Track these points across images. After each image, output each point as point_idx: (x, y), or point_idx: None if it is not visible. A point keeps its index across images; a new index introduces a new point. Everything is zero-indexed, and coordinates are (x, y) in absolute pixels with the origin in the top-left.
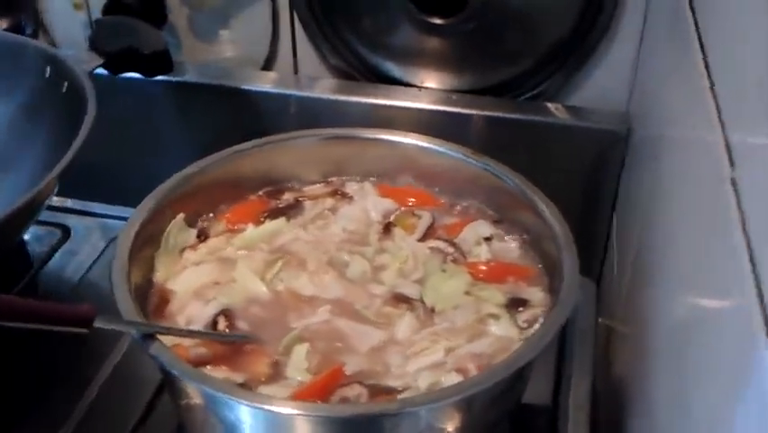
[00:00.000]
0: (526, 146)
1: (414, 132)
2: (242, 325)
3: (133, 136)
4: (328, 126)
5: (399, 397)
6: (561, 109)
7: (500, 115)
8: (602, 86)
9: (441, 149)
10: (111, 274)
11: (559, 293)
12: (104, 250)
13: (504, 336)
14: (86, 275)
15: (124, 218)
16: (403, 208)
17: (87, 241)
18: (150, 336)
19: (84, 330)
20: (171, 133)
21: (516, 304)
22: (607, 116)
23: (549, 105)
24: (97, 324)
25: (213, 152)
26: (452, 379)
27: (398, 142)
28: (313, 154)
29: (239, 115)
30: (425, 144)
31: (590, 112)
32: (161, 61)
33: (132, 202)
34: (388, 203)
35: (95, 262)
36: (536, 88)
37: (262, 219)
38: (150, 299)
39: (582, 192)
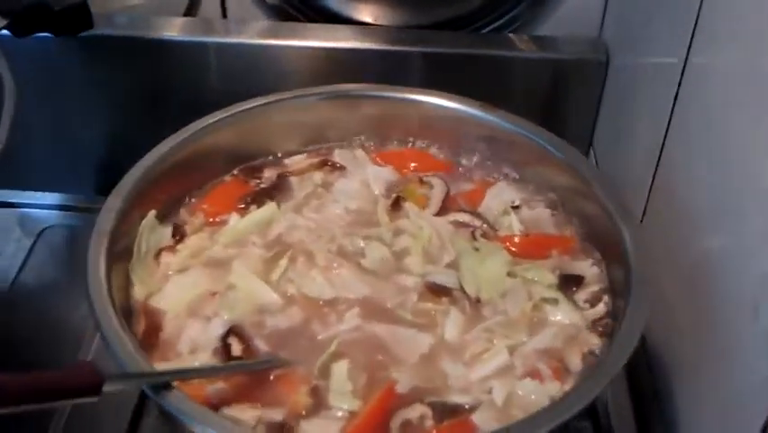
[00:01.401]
0: (489, 84)
1: (365, 75)
2: (261, 344)
3: (42, 106)
4: (268, 77)
5: (474, 419)
6: (526, 41)
7: (458, 51)
8: (572, 13)
9: (443, 103)
10: (94, 312)
11: (628, 270)
12: (32, 247)
13: (568, 324)
14: (18, 279)
15: (49, 207)
16: (408, 176)
17: (8, 237)
18: (164, 386)
19: (93, 399)
20: (87, 98)
21: (568, 283)
22: (579, 45)
23: (513, 36)
24: (107, 389)
25: (138, 119)
26: (529, 388)
27: (389, 98)
28: (288, 120)
29: (162, 72)
30: (421, 98)
31: (561, 42)
32: (78, 17)
33: (52, 186)
34: (388, 172)
35: (24, 262)
36: (500, 20)
37: (244, 206)
38: (135, 324)
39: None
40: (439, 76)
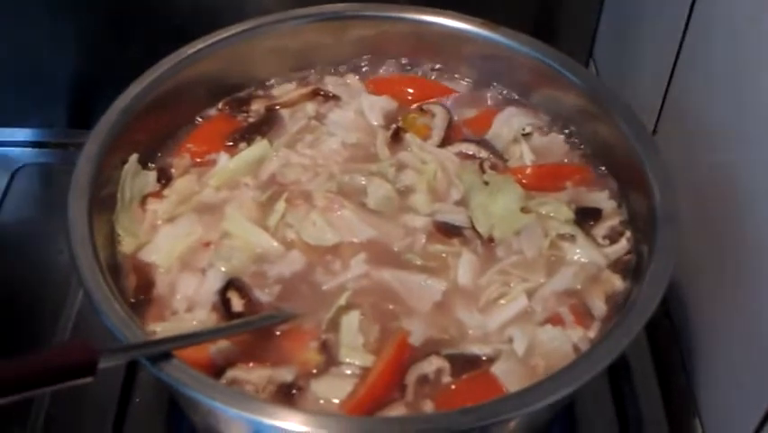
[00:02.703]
0: None
1: None
2: (262, 297)
3: (6, 36)
4: None
5: (495, 370)
6: None
7: None
8: None
9: (441, 21)
10: (81, 278)
11: (652, 202)
12: (7, 188)
13: (588, 263)
14: None
15: (20, 144)
16: (406, 104)
17: None
18: (162, 355)
19: (88, 379)
20: (55, 25)
21: (586, 217)
22: None
23: None
24: (103, 365)
25: (110, 45)
26: (550, 335)
27: (382, 17)
28: (273, 45)
29: None
30: (416, 17)
31: None
32: None
33: (22, 121)
34: (385, 100)
35: (2, 200)
36: None
37: (233, 143)
38: (125, 282)
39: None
40: None
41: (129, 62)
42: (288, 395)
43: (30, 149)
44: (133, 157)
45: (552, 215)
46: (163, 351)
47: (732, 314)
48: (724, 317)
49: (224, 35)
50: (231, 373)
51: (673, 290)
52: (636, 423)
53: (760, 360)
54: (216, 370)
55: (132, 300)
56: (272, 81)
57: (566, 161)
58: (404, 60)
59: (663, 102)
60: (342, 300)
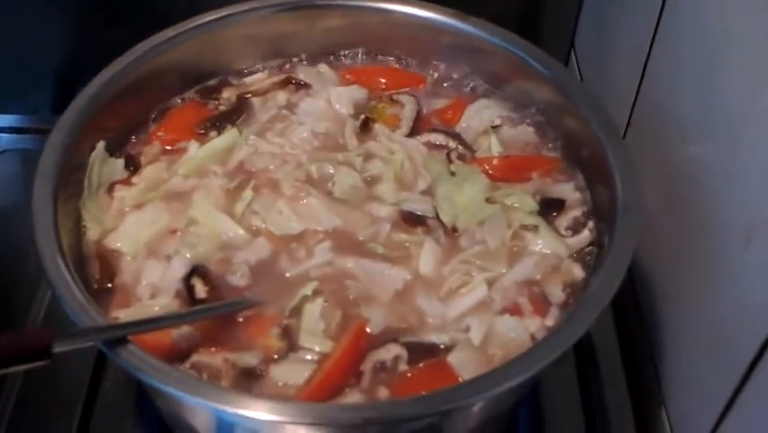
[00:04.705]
0: None
1: None
2: (226, 284)
3: None
4: None
5: (450, 359)
6: None
7: None
8: None
9: (412, 11)
10: (42, 260)
11: (614, 194)
12: None
13: (550, 253)
14: None
15: (1, 130)
16: (377, 94)
17: None
18: (120, 340)
19: (44, 362)
20: (38, 10)
21: (549, 207)
22: None
23: None
24: (57, 349)
25: (93, 31)
26: (508, 324)
27: (353, 7)
28: (245, 33)
29: None
30: (388, 6)
31: None
32: None
33: (4, 107)
34: (355, 90)
35: None
36: None
37: (203, 131)
38: (89, 268)
39: (531, 29)
40: None
41: (113, 48)
42: (249, 380)
43: (11, 135)
44: (100, 144)
45: (516, 205)
46: (120, 336)
47: (697, 305)
48: (690, 307)
49: (196, 23)
50: (193, 358)
51: (643, 280)
52: (602, 410)
53: (723, 351)
54: (180, 354)
55: (97, 287)
56: (244, 69)
57: (534, 152)
58: (376, 50)
59: (638, 93)
60: (307, 290)
